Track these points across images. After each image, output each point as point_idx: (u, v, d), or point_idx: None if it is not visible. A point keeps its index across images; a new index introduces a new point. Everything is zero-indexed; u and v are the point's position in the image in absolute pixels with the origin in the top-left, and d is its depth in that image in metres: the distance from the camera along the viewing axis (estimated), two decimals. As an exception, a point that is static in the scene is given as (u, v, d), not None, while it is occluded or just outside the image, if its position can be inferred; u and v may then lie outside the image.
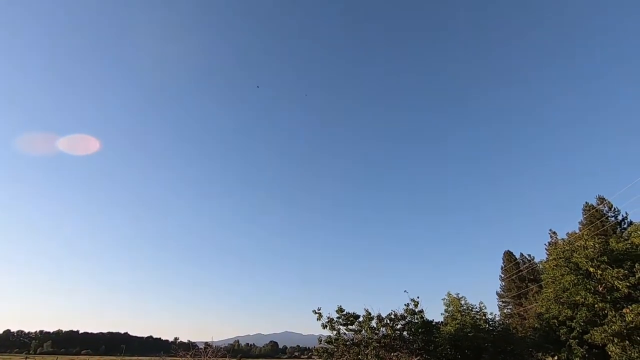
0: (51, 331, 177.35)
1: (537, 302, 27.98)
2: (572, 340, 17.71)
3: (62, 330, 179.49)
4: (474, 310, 21.37)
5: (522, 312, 43.58)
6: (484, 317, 20.74)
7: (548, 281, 22.11)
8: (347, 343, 17.27)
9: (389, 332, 17.16)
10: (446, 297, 23.88)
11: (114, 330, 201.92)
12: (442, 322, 22.02)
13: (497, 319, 23.02)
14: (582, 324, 17.68)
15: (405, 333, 17.75)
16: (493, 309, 62.27)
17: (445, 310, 23.59)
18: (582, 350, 17.15)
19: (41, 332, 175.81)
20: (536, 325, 21.89)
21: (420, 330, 17.58)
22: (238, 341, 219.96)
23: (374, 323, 17.54)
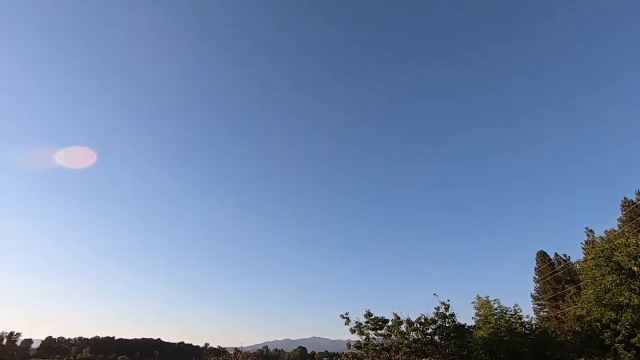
0: (89, 337, 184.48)
1: (576, 304, 26.65)
2: (617, 345, 16.68)
3: (99, 337, 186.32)
4: (507, 313, 20.54)
5: (559, 315, 41.63)
6: (519, 321, 19.89)
7: (587, 282, 21.01)
8: (377, 348, 16.98)
9: (420, 336, 16.75)
10: (476, 301, 23.09)
11: (147, 337, 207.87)
12: (474, 326, 21.29)
13: (533, 322, 22.02)
14: (629, 326, 16.62)
15: (436, 337, 17.27)
16: (527, 312, 59.82)
17: (477, 314, 22.80)
18: (629, 354, 16.12)
19: (80, 338, 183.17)
20: (577, 328, 20.77)
21: (452, 335, 17.05)
22: (267, 346, 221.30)
23: (403, 327, 17.18)
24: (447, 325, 17.17)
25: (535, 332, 19.60)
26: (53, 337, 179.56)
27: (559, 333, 23.87)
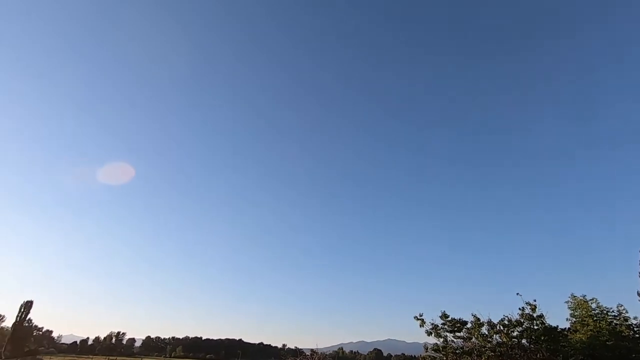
0: (181, 337, 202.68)
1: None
2: None
3: (189, 337, 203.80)
4: (610, 314, 18.05)
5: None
6: (625, 323, 17.38)
7: None
8: (457, 351, 16.10)
9: (505, 339, 15.52)
10: (570, 300, 20.66)
11: (230, 337, 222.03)
12: (568, 328, 19.10)
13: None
14: None
15: (524, 341, 15.84)
16: (634, 313, 51.94)
17: (572, 315, 20.40)
18: None
19: (173, 338, 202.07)
20: None
21: (543, 338, 15.51)
22: (342, 348, 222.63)
23: (484, 329, 16.07)
24: (535, 327, 15.67)
25: (649, 336, 16.98)
26: (151, 336, 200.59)
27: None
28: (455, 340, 16.60)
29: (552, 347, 15.46)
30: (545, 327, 15.69)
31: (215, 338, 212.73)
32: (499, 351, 15.27)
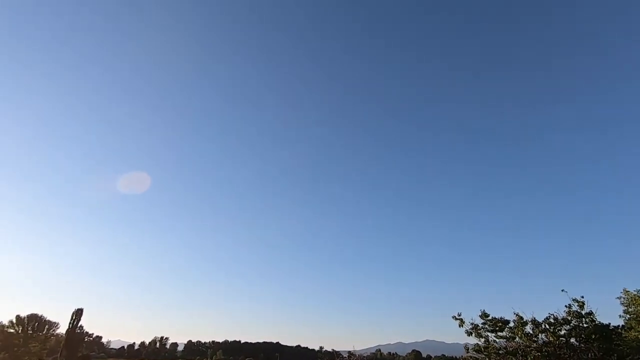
0: (220, 341, 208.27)
1: None
2: None
3: (228, 340, 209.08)
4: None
5: None
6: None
7: None
8: (500, 352, 15.51)
9: (551, 339, 14.78)
10: (622, 295, 19.35)
11: (267, 340, 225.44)
12: (622, 326, 17.89)
13: None
14: None
15: (573, 340, 15.02)
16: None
17: (625, 312, 19.08)
18: None
19: (213, 342, 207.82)
20: None
21: (593, 337, 14.63)
22: (380, 350, 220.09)
23: (529, 328, 15.39)
24: (584, 325, 14.82)
25: None
26: (192, 340, 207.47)
27: None
28: (497, 340, 16.01)
29: (604, 346, 14.55)
30: (596, 325, 14.80)
31: (253, 341, 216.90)
32: (545, 351, 14.57)
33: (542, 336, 15.11)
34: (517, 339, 15.48)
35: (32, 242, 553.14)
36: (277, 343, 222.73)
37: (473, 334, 16.25)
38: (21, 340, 72.93)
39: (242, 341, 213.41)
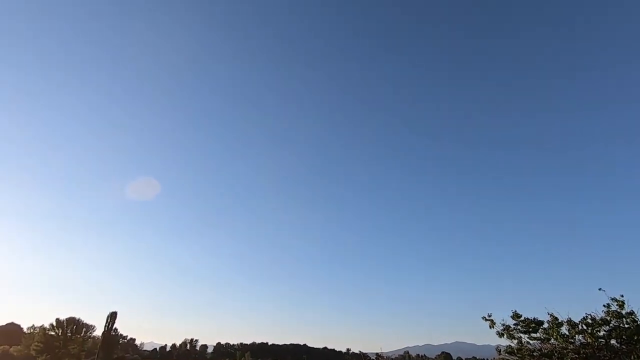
0: (248, 343, 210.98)
1: None
2: None
3: (255, 342, 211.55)
4: None
5: None
6: None
7: None
8: (534, 354, 14.92)
9: (589, 340, 14.09)
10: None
11: (295, 342, 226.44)
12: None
13: None
14: None
15: (613, 341, 14.26)
16: None
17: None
18: None
19: (241, 344, 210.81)
20: None
21: (636, 338, 13.84)
22: (408, 352, 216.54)
23: (564, 329, 14.73)
24: (625, 326, 14.04)
25: None
26: (221, 343, 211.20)
27: None
28: (530, 341, 15.41)
29: (648, 348, 13.76)
30: (638, 325, 14.00)
31: (280, 343, 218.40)
32: (583, 353, 13.90)
33: (579, 337, 14.44)
34: (552, 340, 14.84)
35: (66, 248, 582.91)
36: (305, 345, 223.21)
37: (505, 335, 15.70)
38: (61, 342, 76.48)
39: (269, 343, 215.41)
